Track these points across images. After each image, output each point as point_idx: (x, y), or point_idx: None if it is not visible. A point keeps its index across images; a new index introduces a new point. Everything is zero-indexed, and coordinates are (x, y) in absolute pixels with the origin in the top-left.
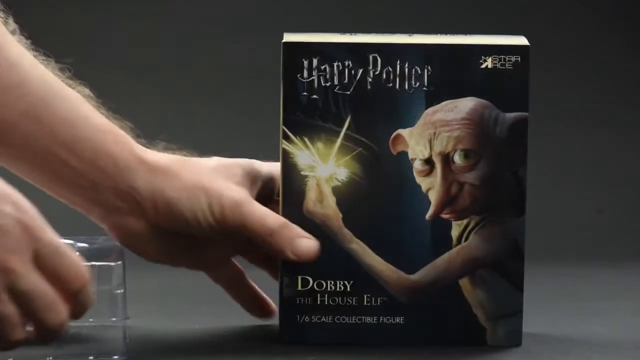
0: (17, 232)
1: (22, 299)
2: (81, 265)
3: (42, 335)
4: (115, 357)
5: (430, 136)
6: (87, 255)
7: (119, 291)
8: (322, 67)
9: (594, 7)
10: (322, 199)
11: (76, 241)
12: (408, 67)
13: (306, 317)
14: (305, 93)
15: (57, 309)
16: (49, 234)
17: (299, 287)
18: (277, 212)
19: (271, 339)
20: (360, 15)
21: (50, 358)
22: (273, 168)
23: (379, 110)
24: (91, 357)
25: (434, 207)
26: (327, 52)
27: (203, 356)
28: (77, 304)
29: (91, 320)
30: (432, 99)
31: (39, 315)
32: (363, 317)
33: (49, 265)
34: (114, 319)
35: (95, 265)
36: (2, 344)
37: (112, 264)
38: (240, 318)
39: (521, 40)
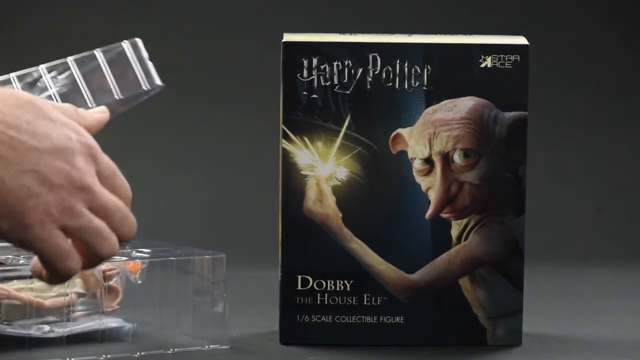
0: (84, 154)
1: (101, 214)
2: (128, 187)
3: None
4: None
5: (430, 135)
6: None
7: None
8: (322, 67)
9: (594, 7)
10: (322, 198)
11: None
12: (407, 66)
13: (306, 317)
14: (305, 92)
15: (131, 221)
16: (106, 156)
17: (299, 287)
18: None
19: (271, 339)
20: (361, 15)
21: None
22: None
23: (379, 109)
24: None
25: (434, 207)
26: (326, 51)
27: (203, 356)
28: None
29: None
30: (432, 98)
31: (119, 229)
32: (363, 317)
33: (109, 184)
34: None
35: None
36: (93, 260)
37: None
38: (240, 318)
39: (521, 40)
